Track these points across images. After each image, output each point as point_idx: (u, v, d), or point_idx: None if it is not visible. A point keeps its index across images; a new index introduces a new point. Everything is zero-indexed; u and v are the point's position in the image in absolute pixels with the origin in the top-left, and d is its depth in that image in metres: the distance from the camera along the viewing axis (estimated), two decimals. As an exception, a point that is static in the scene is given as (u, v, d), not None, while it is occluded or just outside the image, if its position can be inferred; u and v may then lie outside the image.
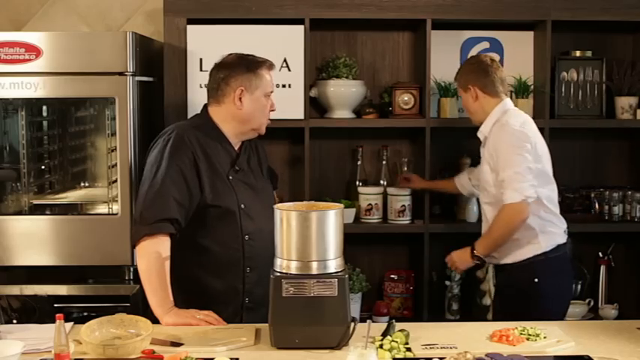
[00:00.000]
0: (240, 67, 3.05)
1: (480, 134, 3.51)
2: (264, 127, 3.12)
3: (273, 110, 3.13)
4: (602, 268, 4.32)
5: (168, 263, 2.87)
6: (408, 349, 2.48)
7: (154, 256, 2.85)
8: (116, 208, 3.68)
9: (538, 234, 3.36)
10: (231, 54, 3.12)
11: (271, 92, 3.10)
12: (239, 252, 3.00)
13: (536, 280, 3.34)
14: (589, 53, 4.28)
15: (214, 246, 3.00)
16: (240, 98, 3.02)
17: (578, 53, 4.27)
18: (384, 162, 4.30)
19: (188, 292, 2.94)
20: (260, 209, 3.04)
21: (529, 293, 3.34)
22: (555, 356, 2.47)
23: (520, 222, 3.28)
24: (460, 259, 3.48)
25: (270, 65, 3.11)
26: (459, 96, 3.68)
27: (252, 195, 3.06)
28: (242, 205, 3.00)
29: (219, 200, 2.98)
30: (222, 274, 3.01)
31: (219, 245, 3.00)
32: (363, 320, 2.48)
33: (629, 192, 4.20)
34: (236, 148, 3.10)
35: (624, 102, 4.16)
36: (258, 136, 3.16)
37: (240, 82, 3.03)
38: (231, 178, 3.02)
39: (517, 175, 3.24)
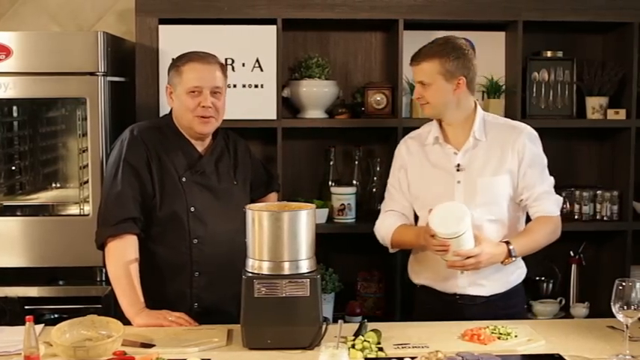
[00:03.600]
0: (170, 65, 3.07)
1: (471, 136, 3.05)
2: (197, 126, 2.97)
3: (208, 107, 2.94)
4: (573, 267, 4.35)
5: (136, 264, 2.86)
6: (380, 349, 2.49)
7: (121, 258, 2.85)
8: (87, 209, 3.66)
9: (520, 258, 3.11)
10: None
11: (196, 89, 2.94)
12: (186, 255, 2.96)
13: (526, 305, 3.18)
14: (560, 53, 4.30)
15: (162, 249, 2.98)
16: (171, 97, 3.04)
17: (549, 53, 4.29)
18: (356, 162, 4.30)
19: (146, 296, 2.89)
20: (217, 213, 2.99)
21: (520, 318, 3.01)
22: (526, 355, 2.49)
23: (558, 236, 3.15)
24: (494, 256, 2.87)
25: (199, 59, 2.98)
26: (425, 83, 3.02)
27: (208, 198, 3.01)
28: (192, 209, 2.96)
29: (166, 202, 2.95)
30: (170, 278, 2.98)
31: (166, 248, 2.97)
32: (335, 320, 2.49)
33: (600, 191, 4.22)
34: (200, 149, 3.06)
35: (595, 102, 4.19)
36: (227, 136, 3.11)
37: (168, 80, 3.06)
38: (184, 180, 2.98)
39: (552, 188, 3.11)
